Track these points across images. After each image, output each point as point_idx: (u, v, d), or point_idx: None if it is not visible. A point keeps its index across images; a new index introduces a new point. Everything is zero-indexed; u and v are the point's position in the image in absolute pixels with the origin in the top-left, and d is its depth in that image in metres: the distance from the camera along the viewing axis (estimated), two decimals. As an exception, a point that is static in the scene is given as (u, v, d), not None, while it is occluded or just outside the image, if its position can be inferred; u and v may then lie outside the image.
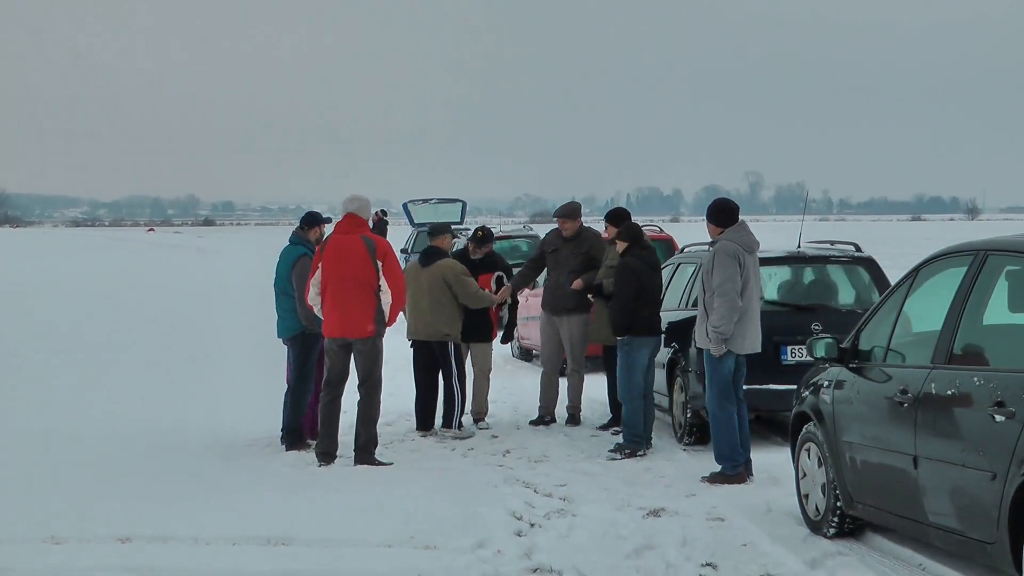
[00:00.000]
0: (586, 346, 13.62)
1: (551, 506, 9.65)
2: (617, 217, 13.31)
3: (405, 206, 36.19)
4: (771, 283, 12.82)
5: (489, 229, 14.48)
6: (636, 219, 13.26)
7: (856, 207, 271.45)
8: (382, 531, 8.63)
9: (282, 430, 12.20)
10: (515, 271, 14.35)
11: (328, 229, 12.28)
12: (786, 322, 12.03)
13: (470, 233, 14.76)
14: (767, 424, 13.07)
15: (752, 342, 10.71)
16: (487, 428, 13.30)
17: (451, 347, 12.98)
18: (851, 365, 8.42)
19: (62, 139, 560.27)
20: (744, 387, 11.06)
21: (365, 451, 11.33)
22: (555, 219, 13.87)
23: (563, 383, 13.71)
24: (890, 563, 7.95)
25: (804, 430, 9.00)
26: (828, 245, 13.15)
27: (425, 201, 36.31)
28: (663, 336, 12.26)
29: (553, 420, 13.58)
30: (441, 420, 13.00)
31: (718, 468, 10.54)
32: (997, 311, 7.39)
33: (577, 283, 13.30)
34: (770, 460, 11.05)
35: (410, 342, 13.45)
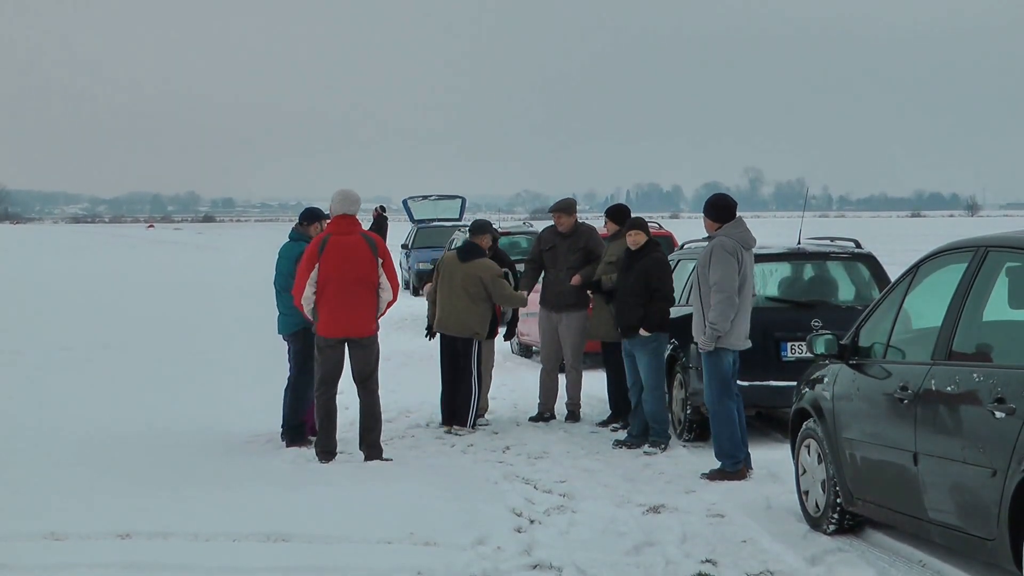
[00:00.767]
0: (584, 342, 13.61)
1: (551, 502, 9.65)
2: (619, 213, 13.31)
3: (405, 202, 36.19)
4: (771, 280, 12.83)
5: (489, 223, 14.41)
6: (634, 215, 13.20)
7: (856, 203, 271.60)
8: (382, 527, 8.63)
9: (282, 426, 12.20)
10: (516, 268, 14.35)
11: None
12: (786, 318, 12.03)
13: (467, 229, 14.71)
14: (767, 420, 13.07)
15: (745, 339, 10.71)
16: (487, 424, 13.30)
17: (475, 345, 12.97)
18: (851, 362, 8.42)
19: (62, 135, 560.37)
20: (744, 383, 11.08)
21: (375, 447, 11.33)
22: (551, 214, 13.88)
23: (562, 379, 13.71)
24: (890, 559, 7.95)
25: (804, 426, 9.00)
26: (828, 241, 13.15)
27: (425, 197, 36.30)
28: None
29: (552, 416, 13.58)
30: (455, 417, 12.97)
31: (718, 465, 10.54)
32: (997, 307, 7.38)
33: (576, 279, 13.30)
34: (770, 456, 11.06)
35: (429, 336, 13.46)
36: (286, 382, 12.25)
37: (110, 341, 21.06)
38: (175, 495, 9.75)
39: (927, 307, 7.97)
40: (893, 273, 11.29)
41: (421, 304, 28.34)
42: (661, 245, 12.39)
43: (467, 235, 13.66)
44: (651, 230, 18.71)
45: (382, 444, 11.47)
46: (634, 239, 11.90)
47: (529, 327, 18.27)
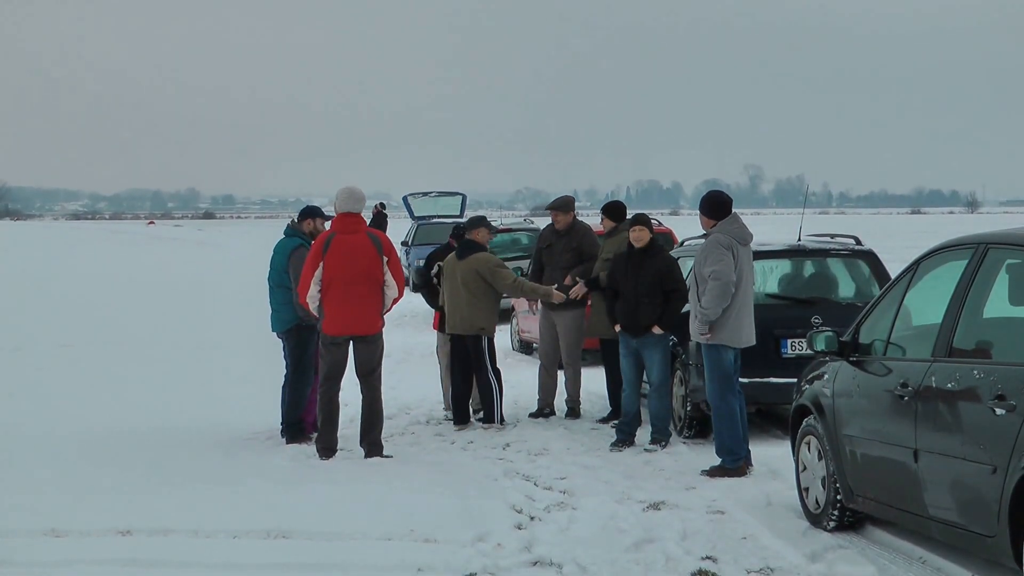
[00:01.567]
0: (582, 339, 13.60)
1: (551, 499, 9.65)
2: (615, 210, 13.31)
3: (405, 199, 36.18)
4: (771, 276, 12.83)
5: (483, 216, 14.42)
6: (635, 211, 13.18)
7: (856, 200, 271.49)
8: (382, 524, 8.63)
9: (281, 423, 12.20)
10: (514, 264, 14.35)
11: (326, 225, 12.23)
12: (786, 315, 12.03)
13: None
14: (767, 417, 13.07)
15: (748, 335, 10.71)
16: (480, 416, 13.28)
17: (485, 342, 12.95)
18: (851, 358, 8.41)
19: (63, 132, 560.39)
20: (744, 380, 11.07)
21: (376, 444, 11.33)
22: (548, 212, 13.88)
23: (561, 376, 13.71)
24: (890, 556, 7.95)
25: (804, 423, 9.00)
26: (828, 238, 13.15)
27: (425, 194, 36.30)
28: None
29: (552, 412, 13.57)
30: (483, 416, 12.96)
31: (718, 461, 10.54)
32: (998, 304, 7.38)
33: (568, 281, 13.28)
34: (770, 453, 11.05)
35: (448, 336, 13.48)
36: (283, 379, 12.25)
37: (110, 338, 21.08)
38: (175, 491, 9.75)
39: (927, 304, 7.97)
40: (893, 270, 11.30)
41: (421, 301, 28.30)
42: (663, 242, 12.38)
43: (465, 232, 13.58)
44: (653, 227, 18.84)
45: (382, 441, 11.47)
46: (638, 235, 11.83)
47: (529, 324, 18.29)
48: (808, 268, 12.86)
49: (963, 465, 6.92)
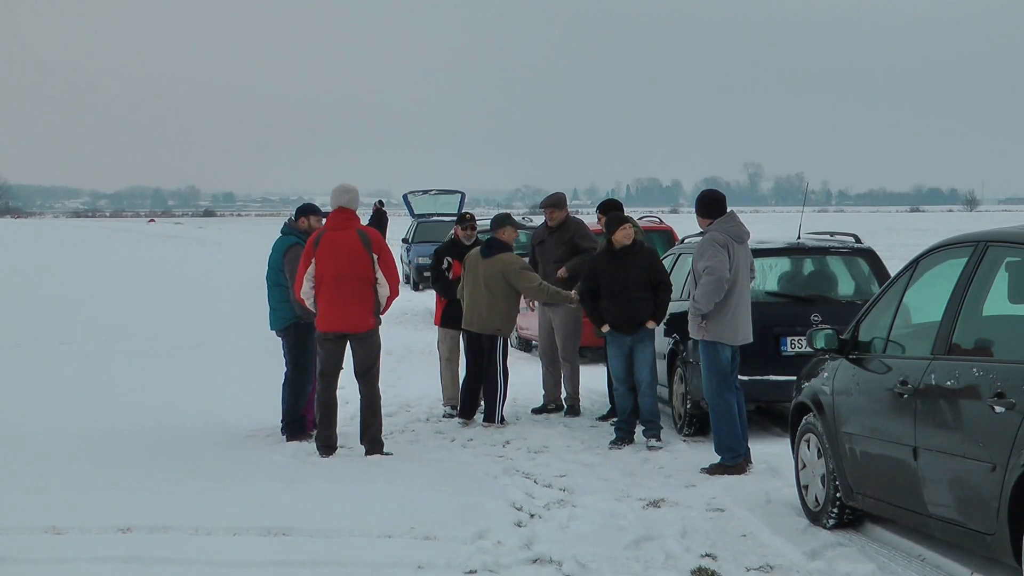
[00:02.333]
0: (579, 336, 13.60)
1: (551, 497, 9.65)
2: (615, 208, 13.32)
3: (405, 197, 36.18)
4: (771, 274, 12.83)
5: (471, 214, 14.45)
6: (637, 210, 13.19)
7: (855, 198, 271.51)
8: (382, 522, 8.63)
9: (282, 421, 12.21)
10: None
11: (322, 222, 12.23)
12: (786, 313, 12.04)
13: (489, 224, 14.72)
14: (767, 415, 13.08)
15: (745, 333, 10.72)
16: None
17: (500, 342, 12.94)
18: (851, 356, 8.42)
19: (63, 130, 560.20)
20: (744, 378, 11.08)
21: (376, 441, 11.34)
22: (541, 209, 13.91)
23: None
24: (889, 554, 7.96)
25: (804, 421, 9.01)
26: (828, 236, 13.15)
27: (425, 192, 36.28)
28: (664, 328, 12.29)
29: (557, 408, 13.59)
30: (483, 414, 12.97)
31: (717, 459, 10.55)
32: (997, 302, 7.39)
33: (562, 272, 13.31)
34: (770, 451, 11.06)
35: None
36: (283, 377, 12.26)
37: (110, 335, 21.07)
38: (175, 489, 9.75)
39: (927, 302, 7.97)
40: (892, 268, 11.30)
41: (421, 299, 28.44)
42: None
43: (491, 230, 13.55)
44: (652, 224, 18.88)
45: (383, 438, 11.47)
46: (627, 233, 11.81)
47: (528, 322, 18.29)
48: (808, 266, 12.86)
49: (962, 463, 6.92)
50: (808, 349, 9.18)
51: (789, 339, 11.84)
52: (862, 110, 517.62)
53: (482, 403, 13.01)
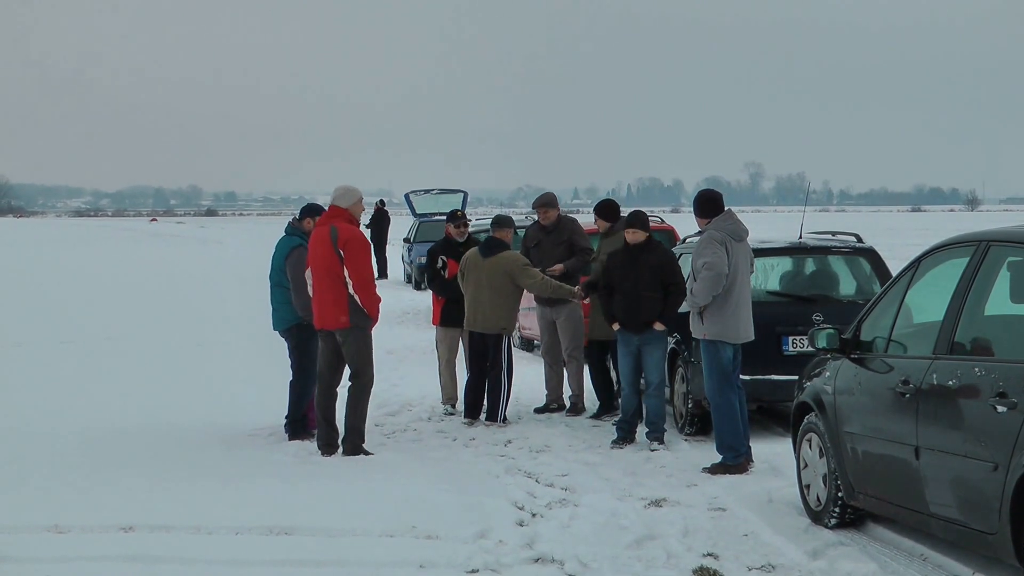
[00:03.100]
0: (583, 334, 13.61)
1: (553, 496, 9.65)
2: (609, 209, 13.28)
3: (407, 196, 36.16)
4: (773, 274, 12.84)
5: (463, 212, 14.47)
6: (632, 210, 13.16)
7: (856, 198, 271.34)
8: (384, 521, 8.64)
9: (285, 419, 12.21)
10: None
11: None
12: (788, 313, 12.04)
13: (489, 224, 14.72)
14: (768, 414, 13.08)
15: (746, 331, 10.73)
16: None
17: (505, 341, 12.95)
18: (853, 356, 8.42)
19: (65, 129, 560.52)
20: (746, 377, 11.08)
21: (349, 443, 11.33)
22: (534, 210, 13.94)
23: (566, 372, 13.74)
24: (891, 553, 7.96)
25: (805, 420, 9.01)
26: (829, 236, 13.15)
27: (427, 191, 36.26)
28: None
29: (560, 408, 13.60)
30: (486, 413, 12.97)
31: (719, 458, 10.56)
32: (999, 302, 7.39)
33: (558, 268, 13.33)
34: (771, 450, 11.06)
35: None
36: (291, 376, 12.28)
37: (112, 334, 21.09)
38: (177, 488, 9.76)
39: (929, 301, 7.98)
40: (894, 268, 11.30)
41: (423, 298, 28.40)
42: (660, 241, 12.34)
43: (491, 230, 13.55)
44: (653, 224, 18.82)
45: (384, 437, 11.46)
46: (633, 237, 11.79)
47: (530, 321, 18.29)
48: (809, 266, 12.86)
49: (964, 462, 6.93)
50: (810, 348, 9.19)
51: (791, 338, 11.84)
52: (863, 110, 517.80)
53: (485, 402, 13.01)
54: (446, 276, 13.62)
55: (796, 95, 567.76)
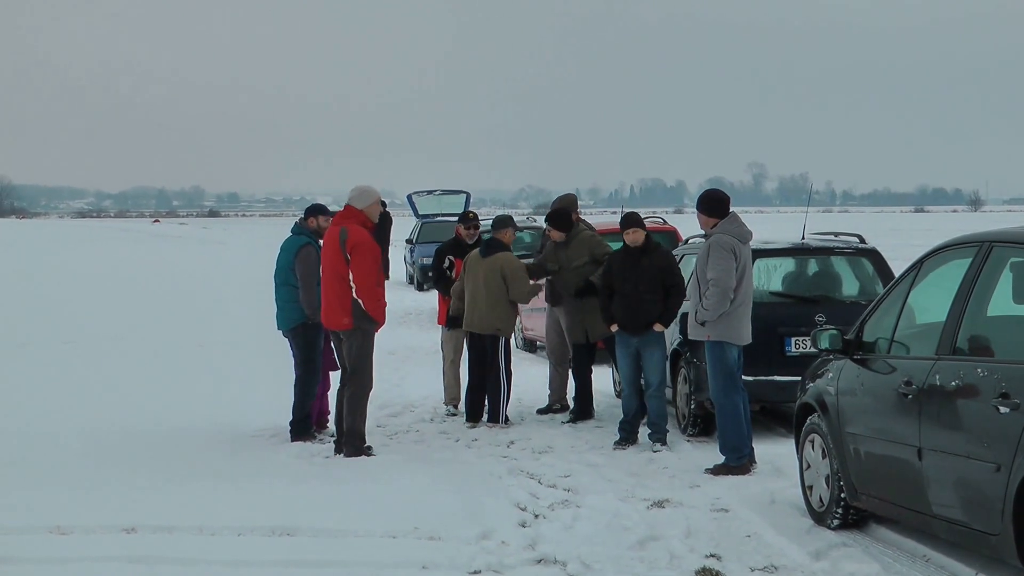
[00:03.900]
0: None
1: (555, 497, 9.65)
2: (561, 218, 13.13)
3: (409, 197, 36.18)
4: (775, 275, 12.83)
5: (475, 213, 14.48)
6: (640, 210, 13.15)
7: (859, 199, 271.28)
8: (386, 522, 8.64)
9: (290, 420, 12.21)
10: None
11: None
12: (790, 313, 12.04)
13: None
14: (771, 415, 13.07)
15: (748, 333, 10.73)
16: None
17: (502, 342, 12.94)
18: (855, 356, 8.42)
19: (68, 130, 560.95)
20: (749, 378, 11.08)
21: (349, 445, 11.34)
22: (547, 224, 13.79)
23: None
24: (894, 554, 7.95)
25: (808, 421, 9.01)
26: (832, 237, 13.15)
27: (429, 192, 36.27)
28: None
29: (563, 408, 13.60)
30: (487, 415, 12.96)
31: (722, 459, 10.55)
32: (1002, 302, 7.39)
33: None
34: (774, 451, 11.05)
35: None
36: (295, 376, 12.28)
37: (115, 335, 21.10)
38: (180, 489, 9.76)
39: (931, 302, 7.97)
40: (897, 268, 11.29)
41: (426, 299, 28.44)
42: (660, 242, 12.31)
43: (492, 231, 13.54)
44: (656, 225, 18.85)
45: (386, 438, 11.46)
46: (633, 237, 11.77)
47: (534, 322, 18.29)
48: (812, 266, 12.86)
49: (967, 463, 6.92)
50: (812, 349, 9.18)
51: (793, 339, 11.84)
52: (866, 110, 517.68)
53: (487, 403, 13.01)
54: (452, 276, 13.65)
55: (799, 96, 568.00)
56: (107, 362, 17.92)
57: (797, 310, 12.10)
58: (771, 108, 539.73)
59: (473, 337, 13.05)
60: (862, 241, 12.83)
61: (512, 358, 13.25)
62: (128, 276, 36.69)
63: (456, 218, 16.11)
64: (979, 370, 6.93)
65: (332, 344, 11.75)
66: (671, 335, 12.23)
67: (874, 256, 12.58)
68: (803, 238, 13.02)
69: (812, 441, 8.93)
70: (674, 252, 14.14)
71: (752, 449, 10.65)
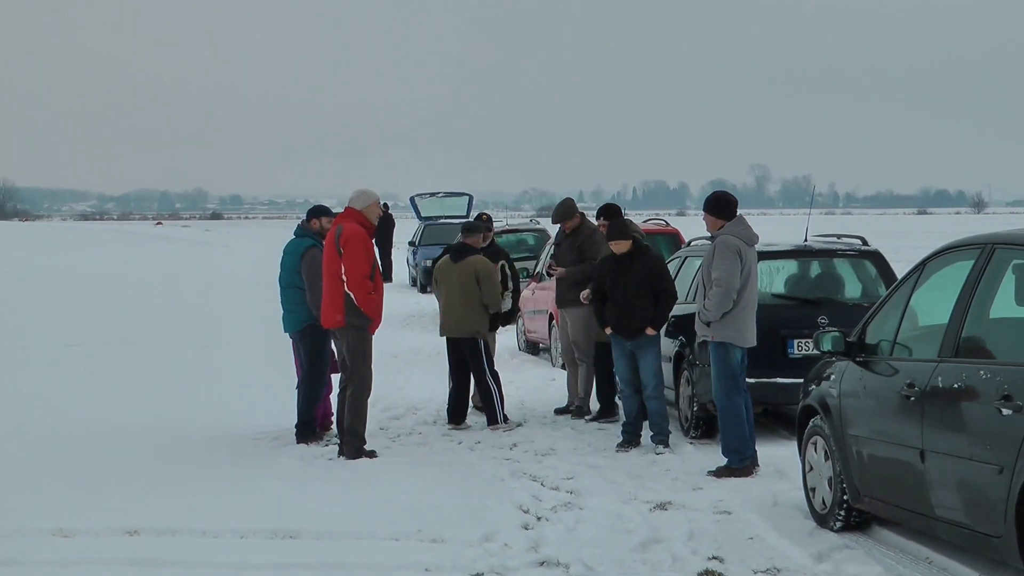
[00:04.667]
0: (592, 338, 13.60)
1: (558, 499, 9.65)
2: (611, 212, 13.25)
3: (412, 200, 36.24)
4: (778, 277, 12.83)
5: (488, 215, 14.53)
6: (643, 213, 13.16)
7: (862, 201, 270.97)
8: (389, 524, 8.64)
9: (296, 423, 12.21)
10: (520, 264, 14.36)
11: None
12: (793, 316, 12.04)
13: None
14: (774, 417, 13.07)
15: (752, 335, 10.74)
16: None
17: (481, 344, 12.97)
18: (858, 359, 8.41)
19: (71, 133, 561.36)
20: (751, 380, 11.08)
21: (349, 446, 11.34)
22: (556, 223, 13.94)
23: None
24: (896, 556, 7.95)
25: (811, 424, 9.00)
26: (835, 239, 13.15)
27: (432, 195, 36.34)
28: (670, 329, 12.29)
29: (580, 408, 13.59)
30: (486, 421, 12.95)
31: (724, 462, 10.55)
32: (1004, 304, 7.38)
33: (560, 272, 13.36)
34: (777, 454, 11.05)
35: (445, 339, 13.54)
36: (298, 379, 12.28)
37: (118, 338, 21.10)
38: (183, 492, 9.77)
39: (934, 304, 7.97)
40: (899, 270, 11.28)
41: (428, 301, 28.42)
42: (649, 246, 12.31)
43: (461, 236, 13.63)
44: (658, 227, 18.87)
45: (388, 440, 11.47)
46: (618, 247, 11.82)
47: (535, 324, 18.30)
48: (815, 268, 12.86)
49: (969, 465, 6.92)
50: (815, 351, 9.17)
51: (796, 341, 11.84)
52: (869, 112, 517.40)
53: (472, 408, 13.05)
54: None
55: (802, 97, 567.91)
56: (110, 364, 17.93)
57: (800, 312, 12.10)
58: (774, 110, 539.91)
59: (451, 342, 13.10)
60: (865, 243, 12.83)
61: (494, 358, 13.27)
62: (131, 278, 36.69)
63: (458, 220, 16.17)
64: (981, 372, 6.93)
65: (334, 346, 11.78)
66: (665, 338, 12.26)
67: (877, 258, 12.58)
68: (806, 240, 13.03)
69: (815, 443, 8.93)
70: (677, 254, 14.21)
71: (755, 451, 10.65)
